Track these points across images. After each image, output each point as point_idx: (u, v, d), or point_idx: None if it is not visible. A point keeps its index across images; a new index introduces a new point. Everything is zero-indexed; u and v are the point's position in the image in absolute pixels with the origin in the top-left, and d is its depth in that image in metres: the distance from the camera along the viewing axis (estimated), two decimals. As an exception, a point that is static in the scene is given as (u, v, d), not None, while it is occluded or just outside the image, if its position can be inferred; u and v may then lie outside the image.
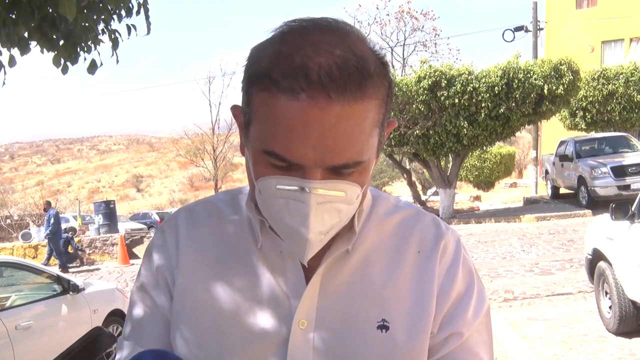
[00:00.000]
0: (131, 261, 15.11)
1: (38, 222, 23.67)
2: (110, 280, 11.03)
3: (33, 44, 3.62)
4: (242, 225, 0.90)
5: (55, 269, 9.27)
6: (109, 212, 17.63)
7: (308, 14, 0.77)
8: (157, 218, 25.87)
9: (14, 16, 3.42)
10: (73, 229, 16.33)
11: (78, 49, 3.73)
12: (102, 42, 3.89)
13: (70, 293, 5.43)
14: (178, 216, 0.94)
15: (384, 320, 0.83)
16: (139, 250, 17.11)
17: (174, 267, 0.89)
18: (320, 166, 0.72)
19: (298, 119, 0.69)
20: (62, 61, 3.77)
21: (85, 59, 3.84)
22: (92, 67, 3.84)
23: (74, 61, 3.79)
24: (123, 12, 3.93)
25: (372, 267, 0.86)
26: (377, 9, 34.11)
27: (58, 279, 5.52)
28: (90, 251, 16.24)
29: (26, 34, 3.54)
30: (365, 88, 0.71)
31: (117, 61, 4.01)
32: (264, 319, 0.84)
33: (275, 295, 0.84)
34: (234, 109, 0.83)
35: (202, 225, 0.91)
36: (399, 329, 0.83)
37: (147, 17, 3.76)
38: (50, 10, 3.49)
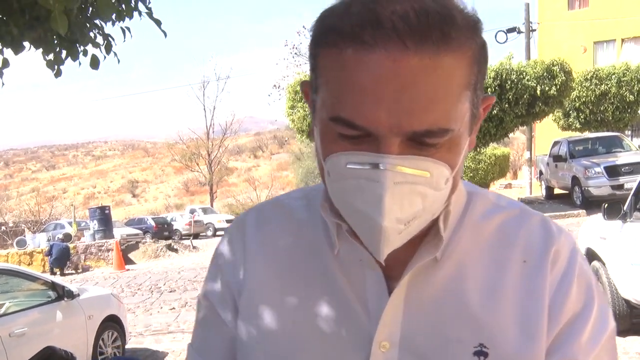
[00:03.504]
0: (127, 267, 15.08)
1: (33, 229, 23.61)
2: (106, 286, 11.00)
3: (27, 45, 3.61)
4: (317, 229, 0.77)
5: (49, 276, 9.25)
6: (104, 217, 17.61)
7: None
8: (153, 223, 25.81)
9: (3, 17, 3.41)
10: (68, 236, 16.27)
11: (77, 45, 3.72)
12: (99, 43, 3.89)
13: (65, 299, 5.41)
14: (246, 219, 0.84)
15: (481, 345, 0.68)
16: (135, 255, 17.08)
17: (240, 278, 0.79)
18: (396, 134, 0.59)
19: (368, 75, 0.58)
20: (56, 67, 3.77)
21: (85, 54, 3.82)
22: (95, 63, 3.83)
23: (75, 57, 3.78)
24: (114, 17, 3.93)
25: (467, 279, 0.71)
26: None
27: (53, 286, 5.50)
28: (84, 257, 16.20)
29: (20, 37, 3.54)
30: (449, 39, 0.58)
31: (119, 61, 4.01)
32: (340, 340, 0.72)
33: (352, 311, 0.72)
34: (304, 84, 0.71)
35: (273, 229, 0.81)
36: (501, 356, 0.68)
37: (158, 24, 3.75)
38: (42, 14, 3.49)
